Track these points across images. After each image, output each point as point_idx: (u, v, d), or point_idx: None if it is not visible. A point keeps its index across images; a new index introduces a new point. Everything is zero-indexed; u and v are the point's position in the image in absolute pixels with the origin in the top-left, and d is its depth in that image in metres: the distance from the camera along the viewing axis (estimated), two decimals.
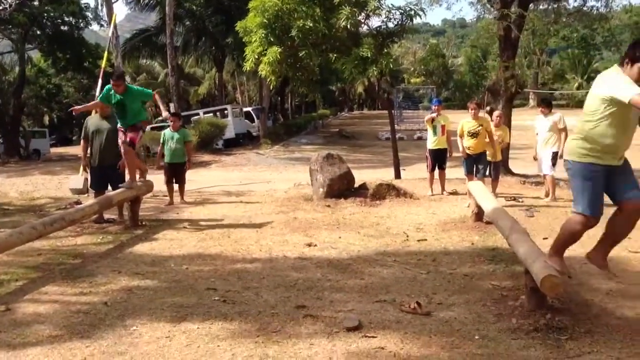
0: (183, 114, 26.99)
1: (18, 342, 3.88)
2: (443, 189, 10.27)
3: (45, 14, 27.24)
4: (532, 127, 9.73)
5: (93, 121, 8.38)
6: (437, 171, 10.34)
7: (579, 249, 6.20)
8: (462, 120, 9.33)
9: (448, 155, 10.33)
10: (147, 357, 3.63)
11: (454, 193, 10.15)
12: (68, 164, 21.74)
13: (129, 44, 33.13)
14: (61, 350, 3.73)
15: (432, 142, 10.28)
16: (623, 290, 4.84)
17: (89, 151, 8.26)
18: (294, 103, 53.13)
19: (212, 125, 24.55)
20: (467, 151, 9.16)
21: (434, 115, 10.26)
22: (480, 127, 9.05)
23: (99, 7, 30.12)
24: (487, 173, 9.57)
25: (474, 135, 9.07)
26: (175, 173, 10.00)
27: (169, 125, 10.49)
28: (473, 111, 9.13)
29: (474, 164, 9.18)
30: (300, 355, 3.62)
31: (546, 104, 9.53)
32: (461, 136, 9.25)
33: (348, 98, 68.06)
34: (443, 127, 10.18)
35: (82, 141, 8.45)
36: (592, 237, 6.76)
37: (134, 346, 3.80)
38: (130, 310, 4.49)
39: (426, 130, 10.93)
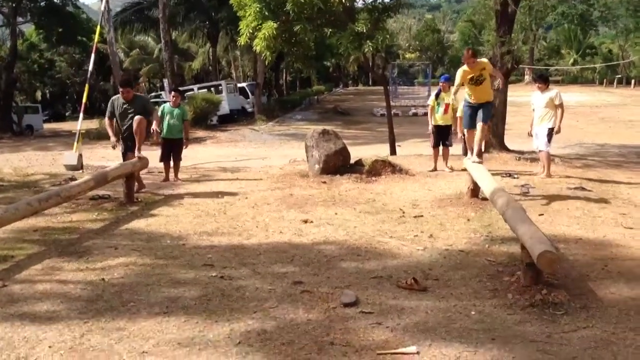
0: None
1: (15, 318, 3.89)
2: (446, 164, 10.26)
3: None
4: (527, 103, 9.70)
5: (118, 103, 8.57)
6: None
7: (574, 226, 6.27)
8: (462, 67, 8.35)
9: (453, 132, 10.28)
10: (145, 333, 3.64)
11: (450, 169, 10.15)
12: (62, 139, 21.62)
13: (121, 16, 32.70)
14: (59, 326, 3.74)
15: (436, 118, 10.26)
16: (618, 266, 4.87)
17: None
18: (288, 79, 52.83)
19: (207, 101, 24.40)
20: (470, 100, 8.34)
21: (434, 96, 10.33)
22: (484, 71, 8.16)
23: None
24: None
25: (477, 81, 8.17)
26: (172, 149, 9.95)
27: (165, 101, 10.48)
28: (468, 61, 8.18)
29: (476, 114, 8.32)
30: (297, 331, 3.64)
31: (543, 80, 9.49)
32: (458, 85, 8.51)
33: (343, 74, 67.71)
34: (447, 105, 10.14)
35: (107, 120, 8.69)
36: (587, 212, 6.82)
37: (132, 322, 3.81)
38: (127, 286, 4.49)
39: (422, 106, 10.90)
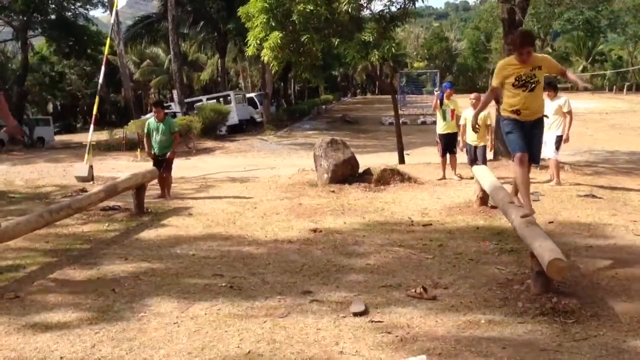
0: (186, 100, 27.03)
1: (27, 329, 3.92)
2: (455, 172, 10.25)
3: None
4: None
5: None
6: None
7: (584, 233, 6.23)
8: (505, 60, 5.55)
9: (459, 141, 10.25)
10: (155, 343, 3.66)
11: (459, 177, 10.14)
12: (72, 151, 21.78)
13: (132, 31, 33.04)
14: (70, 337, 3.77)
15: (442, 126, 10.25)
16: (629, 274, 4.84)
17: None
18: (296, 88, 53.01)
19: (215, 112, 24.53)
20: (515, 116, 5.25)
21: (436, 101, 10.27)
22: (539, 71, 5.16)
23: None
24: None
25: (525, 84, 5.14)
26: (162, 165, 9.42)
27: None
28: (520, 50, 5.07)
29: (527, 134, 5.30)
30: (307, 341, 3.65)
31: (552, 87, 9.48)
32: (495, 88, 5.42)
33: (351, 83, 67.86)
34: (452, 111, 10.13)
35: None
36: (597, 220, 6.78)
37: (143, 332, 3.83)
38: (138, 296, 4.52)
39: (430, 114, 10.92)
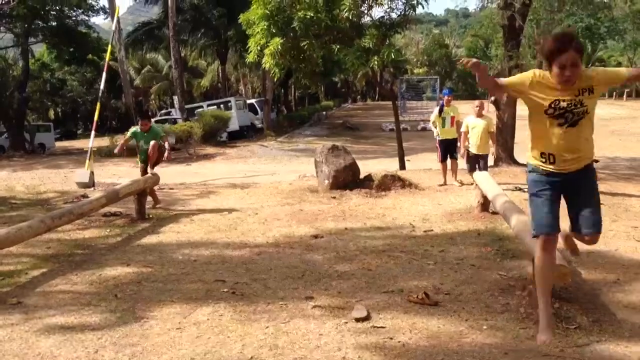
0: (187, 106, 27.10)
1: (30, 334, 3.92)
2: (455, 177, 10.27)
3: (48, 6, 27.13)
4: None
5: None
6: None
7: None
8: (534, 72, 3.55)
9: (458, 147, 10.24)
10: (158, 349, 3.66)
11: (460, 183, 10.15)
12: (73, 157, 21.82)
13: (132, 37, 33.14)
14: (73, 342, 3.77)
15: (441, 133, 10.29)
16: (630, 280, 4.85)
17: None
18: (297, 95, 53.11)
19: (216, 118, 24.58)
20: (546, 167, 3.63)
21: (437, 111, 10.30)
22: (591, 97, 3.49)
23: None
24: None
25: (565, 115, 3.45)
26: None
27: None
28: (563, 66, 3.31)
29: (559, 196, 3.78)
30: (309, 346, 3.65)
31: None
32: (504, 86, 3.73)
33: (351, 89, 67.94)
34: (452, 118, 10.17)
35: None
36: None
37: (145, 338, 3.83)
38: (140, 302, 4.52)
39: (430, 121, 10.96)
